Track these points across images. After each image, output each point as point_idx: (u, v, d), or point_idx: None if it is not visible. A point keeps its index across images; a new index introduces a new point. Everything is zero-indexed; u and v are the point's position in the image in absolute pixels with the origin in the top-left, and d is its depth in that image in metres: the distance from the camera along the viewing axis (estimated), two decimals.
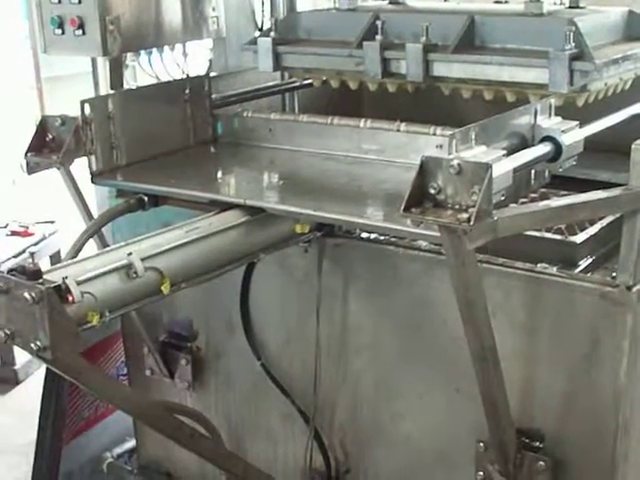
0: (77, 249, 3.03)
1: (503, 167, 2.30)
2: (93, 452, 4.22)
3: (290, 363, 3.34)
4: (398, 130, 3.24)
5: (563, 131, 2.60)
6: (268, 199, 3.00)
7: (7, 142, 8.82)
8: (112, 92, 3.48)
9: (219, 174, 3.46)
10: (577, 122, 2.68)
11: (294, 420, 3.37)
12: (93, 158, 3.22)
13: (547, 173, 2.69)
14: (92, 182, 3.27)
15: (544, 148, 2.58)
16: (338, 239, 3.04)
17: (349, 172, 3.21)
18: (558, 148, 2.59)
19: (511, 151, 2.45)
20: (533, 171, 2.64)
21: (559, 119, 2.70)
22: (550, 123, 2.66)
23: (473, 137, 2.35)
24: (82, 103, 3.17)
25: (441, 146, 2.97)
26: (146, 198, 3.13)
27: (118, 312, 2.44)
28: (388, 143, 3.26)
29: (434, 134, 3.13)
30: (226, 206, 2.90)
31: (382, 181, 3.09)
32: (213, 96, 3.70)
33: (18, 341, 2.25)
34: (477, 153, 2.32)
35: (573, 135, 2.64)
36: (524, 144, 2.58)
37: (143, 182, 3.19)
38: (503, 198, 2.30)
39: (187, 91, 3.60)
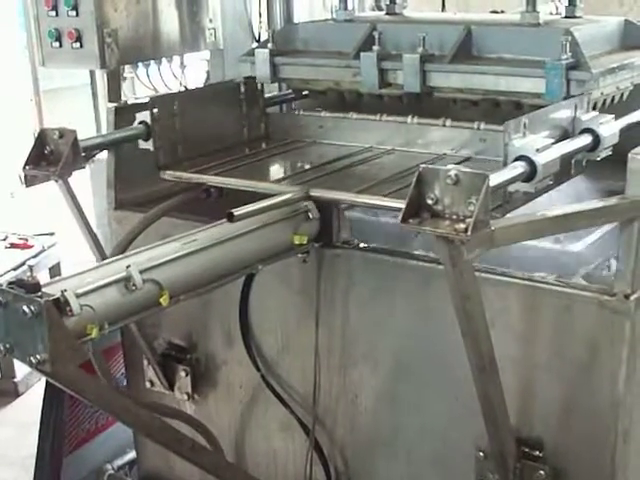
0: (130, 240, 3.10)
1: (551, 154, 2.55)
2: (93, 464, 4.22)
3: (289, 374, 3.34)
4: (444, 125, 3.34)
5: (601, 123, 2.81)
6: (326, 189, 3.04)
7: (6, 154, 8.84)
8: (177, 91, 3.72)
9: (276, 168, 3.58)
10: (612, 115, 2.88)
11: (294, 431, 3.36)
12: (160, 152, 3.36)
13: (584, 162, 2.87)
14: (159, 174, 3.37)
15: (585, 139, 2.79)
16: (337, 249, 3.05)
17: (398, 164, 3.28)
18: (596, 139, 2.80)
19: (555, 141, 2.68)
20: (573, 160, 2.82)
21: (596, 113, 2.92)
22: (589, 116, 2.88)
23: (524, 127, 2.57)
24: (151, 100, 3.35)
25: (485, 140, 3.21)
26: (212, 190, 3.24)
27: (117, 324, 2.44)
28: (434, 137, 3.38)
29: (478, 129, 3.27)
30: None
31: None
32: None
33: (17, 354, 2.25)
34: (529, 141, 2.56)
35: (610, 127, 2.84)
36: (565, 135, 2.81)
37: (206, 174, 3.30)
38: (551, 182, 2.60)
39: (242, 91, 3.69)
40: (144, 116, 3.33)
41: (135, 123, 3.37)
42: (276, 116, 3.84)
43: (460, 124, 3.33)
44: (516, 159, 2.51)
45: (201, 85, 4.21)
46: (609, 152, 2.85)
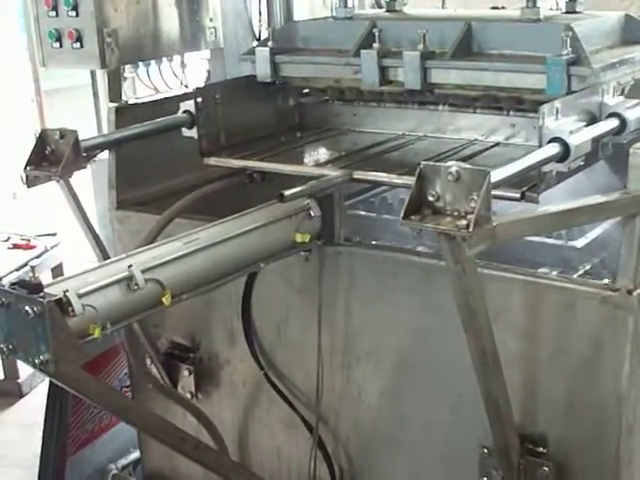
0: (162, 226, 3.09)
1: (583, 136, 2.69)
2: (97, 464, 4.22)
3: (292, 372, 3.34)
4: (474, 112, 3.41)
5: (627, 108, 2.92)
6: (365, 171, 3.14)
7: (8, 155, 8.84)
8: (218, 81, 3.77)
9: (315, 154, 3.62)
10: (638, 100, 3.00)
11: (297, 429, 3.36)
12: (203, 140, 3.45)
13: (610, 145, 2.99)
14: (203, 161, 3.47)
15: (612, 122, 2.90)
16: (339, 247, 3.05)
17: (431, 150, 3.39)
18: (623, 123, 2.91)
19: (585, 125, 2.82)
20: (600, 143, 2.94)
21: (622, 98, 3.04)
22: (615, 101, 2.99)
23: (557, 111, 2.70)
24: (195, 90, 3.47)
25: (514, 125, 3.35)
26: (255, 175, 3.35)
27: (120, 324, 2.45)
28: (465, 124, 3.49)
29: (508, 114, 3.36)
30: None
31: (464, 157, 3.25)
32: None
33: (20, 355, 2.25)
34: (562, 124, 2.70)
35: (635, 111, 2.95)
36: (594, 119, 2.92)
37: (248, 160, 3.40)
38: (582, 163, 2.72)
39: (278, 82, 3.72)
40: (188, 105, 3.43)
41: (179, 112, 3.47)
42: (310, 105, 3.88)
43: (491, 110, 3.40)
44: (550, 141, 2.64)
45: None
46: (635, 135, 2.95)
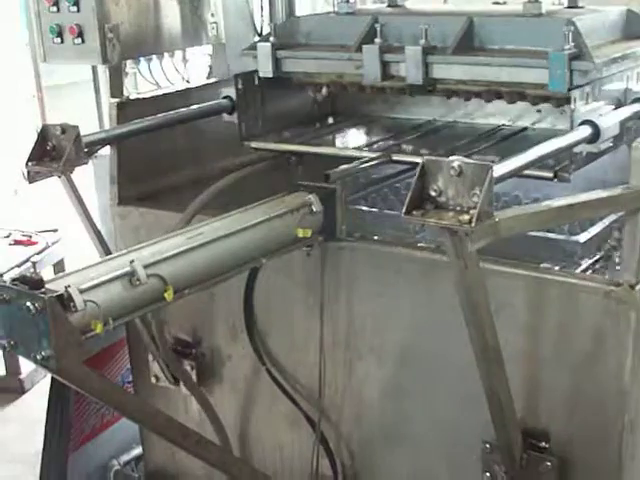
0: (198, 208, 3.15)
1: (613, 119, 2.86)
2: (100, 460, 4.22)
3: (295, 368, 3.34)
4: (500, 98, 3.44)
5: None
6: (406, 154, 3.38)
7: (9, 151, 8.84)
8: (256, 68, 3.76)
9: (350, 138, 3.81)
10: None
11: (300, 425, 3.36)
12: (243, 125, 3.63)
13: (634, 129, 3.10)
14: (241, 144, 3.66)
15: (637, 107, 3.07)
16: (340, 242, 3.04)
17: (462, 134, 3.56)
18: None
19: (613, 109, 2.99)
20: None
21: None
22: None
23: (587, 96, 2.90)
24: (236, 77, 3.61)
25: (540, 110, 3.48)
26: (293, 157, 3.55)
27: (122, 320, 2.44)
28: (492, 110, 3.62)
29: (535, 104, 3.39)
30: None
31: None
32: None
33: (21, 351, 2.25)
34: (595, 107, 2.91)
35: None
36: (619, 104, 3.09)
37: (289, 143, 3.61)
38: (611, 144, 2.87)
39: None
40: (229, 91, 3.60)
41: (220, 97, 3.64)
42: (342, 92, 3.87)
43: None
44: (581, 123, 2.79)
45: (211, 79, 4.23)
46: None
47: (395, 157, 3.28)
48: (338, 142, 3.72)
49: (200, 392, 3.46)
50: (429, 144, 3.49)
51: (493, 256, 2.69)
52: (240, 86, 3.59)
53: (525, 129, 3.57)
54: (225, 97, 3.62)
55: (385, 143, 3.54)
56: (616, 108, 3.01)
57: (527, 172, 2.48)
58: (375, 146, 3.50)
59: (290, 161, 3.55)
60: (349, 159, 3.25)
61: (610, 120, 2.83)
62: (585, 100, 2.89)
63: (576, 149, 2.81)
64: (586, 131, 2.75)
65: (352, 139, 3.78)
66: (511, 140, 3.47)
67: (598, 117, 2.79)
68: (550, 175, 2.92)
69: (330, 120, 3.99)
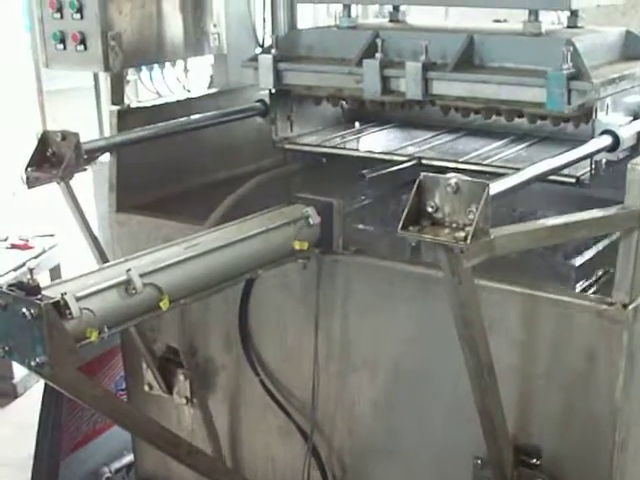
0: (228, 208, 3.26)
1: (632, 129, 3.09)
2: (91, 467, 4.22)
3: (288, 379, 3.35)
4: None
5: None
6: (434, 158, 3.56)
7: (8, 154, 8.85)
8: None
9: (378, 142, 3.97)
10: None
11: (292, 436, 3.37)
12: (276, 127, 3.84)
13: None
14: (273, 146, 3.88)
15: None
16: (336, 255, 3.05)
17: (484, 143, 3.75)
18: None
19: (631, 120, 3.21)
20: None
21: None
22: None
23: (607, 107, 3.06)
24: None
25: None
26: (324, 159, 3.79)
27: (117, 328, 2.44)
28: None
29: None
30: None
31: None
32: None
33: (16, 357, 2.25)
34: (615, 118, 3.09)
35: None
36: (636, 116, 3.26)
37: (323, 146, 3.83)
38: (628, 154, 3.02)
39: None
40: (263, 95, 3.81)
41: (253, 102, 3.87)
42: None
43: None
44: (602, 133, 3.00)
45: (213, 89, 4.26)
46: None
47: (424, 161, 3.47)
48: (368, 145, 3.89)
49: (200, 402, 3.47)
50: (455, 150, 3.69)
51: (487, 275, 2.71)
52: (273, 90, 3.73)
53: (546, 138, 3.75)
54: (258, 101, 3.84)
55: (414, 147, 3.76)
56: (634, 119, 3.22)
57: (551, 178, 2.76)
58: (403, 150, 3.71)
59: (320, 162, 3.76)
60: (379, 162, 3.48)
61: (629, 130, 3.06)
62: (605, 111, 3.05)
63: (597, 157, 3.03)
64: (607, 140, 2.96)
65: (381, 143, 3.92)
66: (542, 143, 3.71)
67: (618, 127, 3.00)
68: (572, 181, 3.09)
69: (357, 125, 4.18)
